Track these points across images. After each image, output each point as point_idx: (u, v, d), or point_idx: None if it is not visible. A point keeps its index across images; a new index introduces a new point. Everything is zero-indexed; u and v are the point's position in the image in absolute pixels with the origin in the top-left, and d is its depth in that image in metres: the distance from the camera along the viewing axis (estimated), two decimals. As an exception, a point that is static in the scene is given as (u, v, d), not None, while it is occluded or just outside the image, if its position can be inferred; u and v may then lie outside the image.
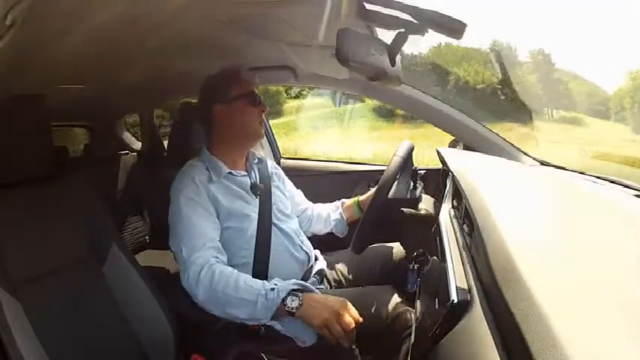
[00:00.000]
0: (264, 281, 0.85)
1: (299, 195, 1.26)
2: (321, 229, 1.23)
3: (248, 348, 0.86)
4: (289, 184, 1.25)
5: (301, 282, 0.86)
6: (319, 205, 1.27)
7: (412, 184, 1.09)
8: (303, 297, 0.80)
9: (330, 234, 1.24)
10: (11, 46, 0.67)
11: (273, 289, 0.81)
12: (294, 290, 0.81)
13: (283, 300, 0.79)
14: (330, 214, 1.22)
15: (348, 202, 1.24)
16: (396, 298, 0.95)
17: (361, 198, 1.22)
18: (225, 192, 0.99)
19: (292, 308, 0.79)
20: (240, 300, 0.81)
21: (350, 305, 0.81)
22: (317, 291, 0.85)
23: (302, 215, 1.23)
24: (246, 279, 0.84)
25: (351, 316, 0.79)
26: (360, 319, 0.80)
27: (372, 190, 1.16)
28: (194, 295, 0.85)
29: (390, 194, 0.99)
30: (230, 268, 0.87)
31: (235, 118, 1.03)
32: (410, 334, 0.74)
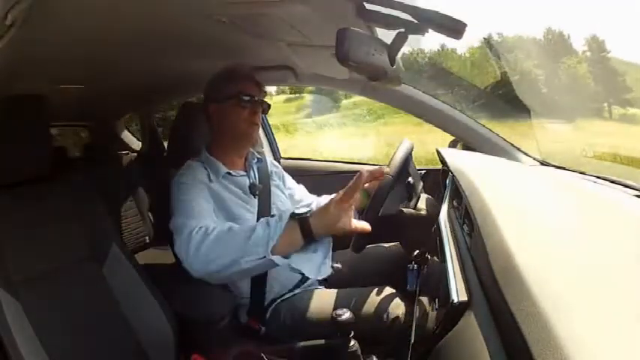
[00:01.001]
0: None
1: (300, 191, 1.24)
2: None
3: (248, 348, 0.86)
4: (289, 181, 1.24)
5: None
6: (324, 196, 1.24)
7: (407, 194, 1.04)
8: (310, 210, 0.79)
9: None
10: (11, 46, 0.67)
11: (273, 216, 0.79)
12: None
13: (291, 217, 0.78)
14: None
15: None
16: (396, 298, 0.95)
17: (367, 185, 1.20)
18: (224, 193, 0.98)
19: (304, 214, 0.78)
20: (234, 239, 0.79)
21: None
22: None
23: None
24: (241, 225, 0.84)
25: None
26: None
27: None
28: (188, 261, 0.81)
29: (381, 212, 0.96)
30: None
31: (225, 118, 1.02)
32: (410, 334, 0.74)
